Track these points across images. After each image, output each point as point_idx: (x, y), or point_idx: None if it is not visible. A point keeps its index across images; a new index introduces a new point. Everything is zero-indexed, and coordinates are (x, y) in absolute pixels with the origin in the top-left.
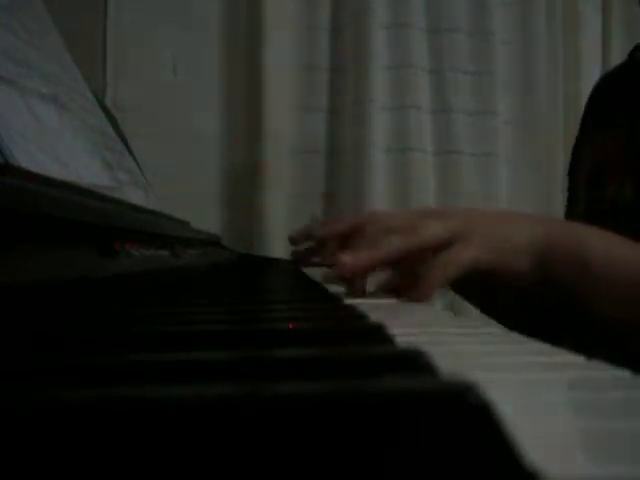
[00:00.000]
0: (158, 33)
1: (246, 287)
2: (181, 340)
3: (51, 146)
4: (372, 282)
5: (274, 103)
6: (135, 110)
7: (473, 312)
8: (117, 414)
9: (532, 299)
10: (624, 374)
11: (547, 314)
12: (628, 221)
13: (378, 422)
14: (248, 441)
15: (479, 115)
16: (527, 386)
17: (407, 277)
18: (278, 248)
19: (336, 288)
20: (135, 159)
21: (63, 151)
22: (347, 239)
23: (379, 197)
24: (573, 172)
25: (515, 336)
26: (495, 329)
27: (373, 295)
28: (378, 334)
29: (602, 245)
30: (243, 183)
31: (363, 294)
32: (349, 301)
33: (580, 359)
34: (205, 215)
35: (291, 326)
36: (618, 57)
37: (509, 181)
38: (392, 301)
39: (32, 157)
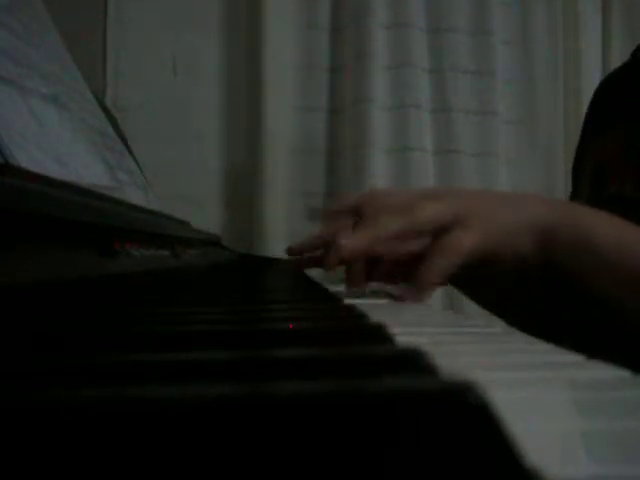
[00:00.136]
0: (158, 33)
1: (246, 287)
2: (181, 340)
3: (51, 146)
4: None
5: (274, 103)
6: (135, 110)
7: (473, 311)
8: (117, 414)
9: (532, 284)
10: (624, 374)
11: (547, 300)
12: (632, 216)
13: (378, 422)
14: (249, 441)
15: (479, 115)
16: (527, 385)
17: (407, 265)
18: (278, 248)
19: (336, 288)
20: (135, 159)
21: (63, 151)
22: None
23: None
24: (577, 173)
25: (515, 335)
26: (495, 329)
27: (374, 293)
28: (378, 334)
29: (608, 227)
30: (243, 183)
31: (362, 283)
32: (349, 301)
33: (580, 358)
34: (205, 215)
35: (291, 326)
36: (618, 57)
37: (509, 181)
38: (392, 301)
39: (32, 157)
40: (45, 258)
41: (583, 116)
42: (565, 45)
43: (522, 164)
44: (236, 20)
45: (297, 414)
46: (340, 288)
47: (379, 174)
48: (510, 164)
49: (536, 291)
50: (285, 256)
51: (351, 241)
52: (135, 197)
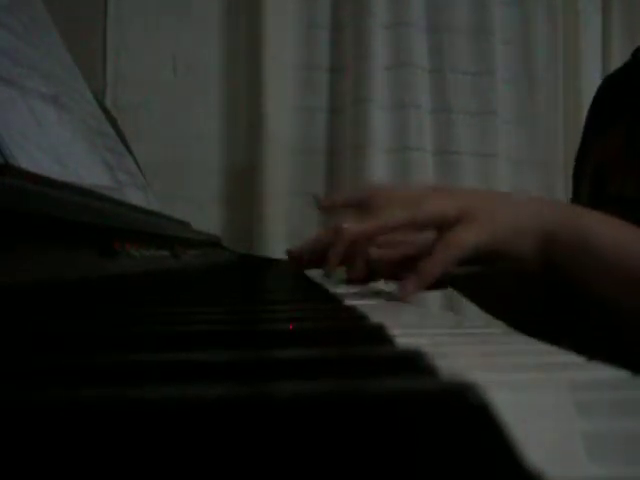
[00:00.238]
0: (158, 33)
1: (246, 287)
2: (181, 340)
3: (51, 146)
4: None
5: (274, 103)
6: (135, 110)
7: (473, 313)
8: (117, 414)
9: (532, 284)
10: (624, 374)
11: (546, 301)
12: (633, 216)
13: (378, 423)
14: (249, 442)
15: (479, 115)
16: (527, 386)
17: (409, 261)
18: (278, 248)
19: (336, 288)
20: (135, 159)
21: (63, 151)
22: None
23: None
24: (577, 173)
25: (515, 336)
26: (495, 329)
27: (374, 293)
28: (378, 335)
29: (607, 228)
30: (243, 183)
31: (364, 273)
32: (349, 302)
33: (580, 359)
34: (205, 215)
35: (291, 327)
36: (618, 57)
37: (509, 181)
38: (392, 301)
39: (32, 157)
40: (45, 258)
41: (583, 116)
42: (565, 45)
43: (522, 164)
44: (236, 20)
45: (297, 415)
46: (340, 289)
47: (379, 174)
48: (510, 164)
49: (536, 291)
50: (285, 256)
51: (355, 226)
52: (135, 197)
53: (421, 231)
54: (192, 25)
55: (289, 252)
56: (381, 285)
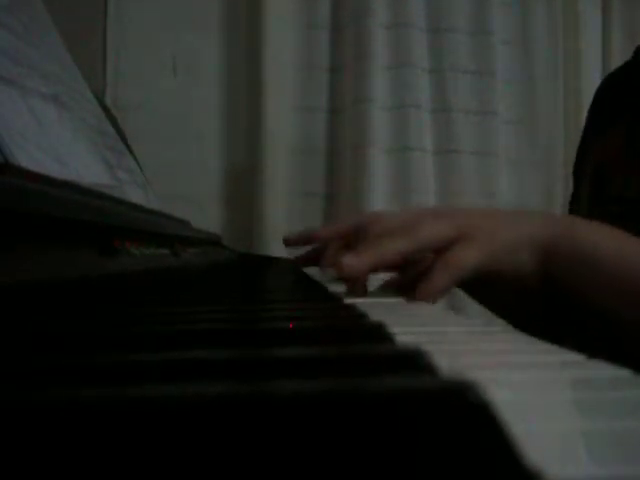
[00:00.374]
0: (158, 33)
1: (246, 286)
2: (181, 339)
3: (51, 145)
4: (374, 283)
5: (274, 103)
6: (135, 110)
7: (474, 311)
8: (117, 414)
9: (532, 299)
10: (625, 373)
11: (548, 314)
12: (634, 216)
13: (378, 421)
14: (249, 440)
15: (479, 115)
16: (527, 385)
17: (410, 279)
18: (278, 248)
19: (336, 287)
20: (135, 158)
21: (63, 150)
22: (349, 241)
23: (379, 197)
24: (577, 172)
25: (515, 335)
26: (496, 328)
27: (374, 294)
28: (378, 333)
29: (606, 239)
30: (243, 183)
31: (364, 294)
32: (349, 300)
33: (581, 358)
34: (205, 215)
35: (291, 325)
36: (618, 57)
37: (509, 181)
38: (392, 300)
39: (32, 156)
40: (45, 257)
41: (583, 116)
42: (565, 45)
43: (522, 164)
44: (236, 20)
45: (297, 413)
46: (340, 287)
47: (379, 174)
48: (510, 164)
49: (535, 306)
50: (285, 255)
51: (354, 260)
52: (135, 196)
53: (420, 256)
54: (192, 25)
55: (285, 240)
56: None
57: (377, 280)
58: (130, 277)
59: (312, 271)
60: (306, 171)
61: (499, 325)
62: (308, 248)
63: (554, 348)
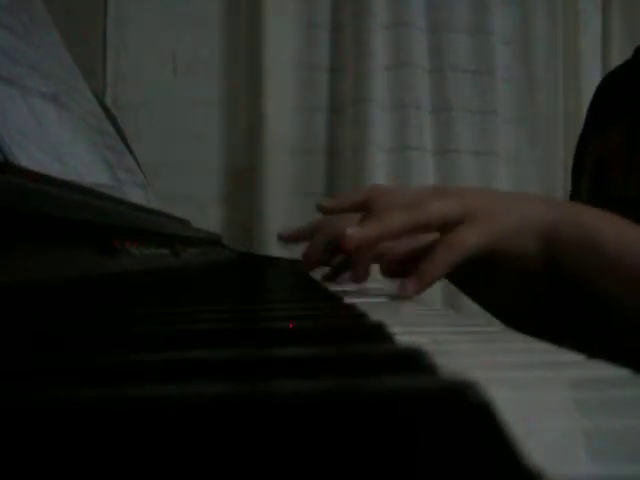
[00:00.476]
0: (158, 33)
1: (246, 286)
2: (181, 339)
3: (51, 145)
4: (375, 280)
5: (274, 103)
6: (135, 110)
7: (473, 310)
8: (117, 414)
9: (535, 282)
10: (625, 372)
11: (549, 299)
12: (633, 214)
13: (378, 421)
14: (249, 440)
15: (479, 114)
16: (528, 385)
17: (411, 260)
18: (278, 248)
19: (336, 287)
20: (135, 158)
21: (63, 150)
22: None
23: None
24: (577, 168)
25: (515, 335)
26: (496, 328)
27: (375, 290)
28: (378, 333)
29: (610, 226)
30: (243, 183)
31: (366, 276)
32: (349, 300)
33: (581, 357)
34: (205, 215)
35: (291, 325)
36: (618, 57)
37: (509, 180)
38: (392, 300)
39: (32, 156)
40: (45, 257)
41: (583, 116)
42: (565, 45)
43: (522, 164)
44: (236, 20)
45: (297, 413)
46: (340, 287)
47: (379, 174)
48: (510, 164)
49: (538, 289)
50: (285, 255)
51: (359, 232)
52: (135, 196)
53: (424, 233)
54: (192, 25)
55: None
56: (381, 282)
57: (377, 280)
58: (130, 277)
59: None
60: (306, 171)
61: (499, 325)
62: (303, 245)
63: (554, 348)
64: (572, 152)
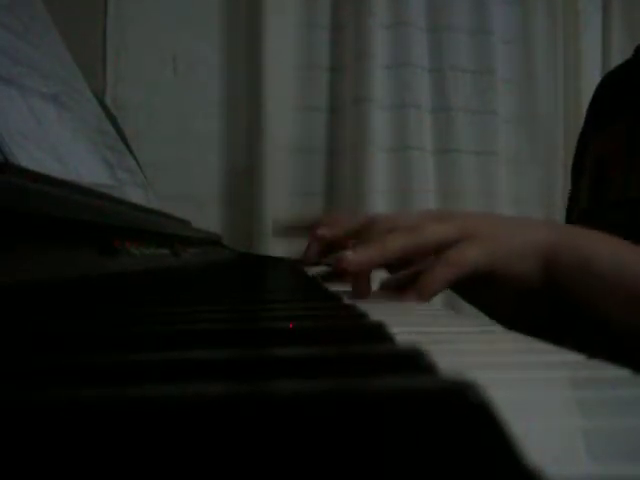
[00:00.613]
0: (158, 33)
1: (246, 286)
2: (181, 339)
3: (51, 145)
4: (375, 282)
5: (274, 103)
6: (135, 110)
7: (473, 311)
8: (118, 414)
9: (534, 303)
10: (625, 372)
11: (549, 318)
12: (635, 214)
13: (378, 421)
14: (249, 440)
15: (479, 114)
16: (527, 385)
17: (410, 277)
18: (278, 247)
19: (336, 287)
20: (135, 158)
21: (63, 150)
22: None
23: (379, 196)
24: (576, 167)
25: (515, 335)
26: (495, 328)
27: (377, 296)
28: (378, 333)
29: (608, 248)
30: (243, 183)
31: (368, 293)
32: (349, 300)
33: (581, 358)
34: (205, 215)
35: (291, 325)
36: (618, 57)
37: (509, 180)
38: (392, 300)
39: (32, 156)
40: (45, 257)
41: (583, 116)
42: (565, 45)
43: (522, 163)
44: (236, 20)
45: (297, 413)
46: (340, 287)
47: (379, 174)
48: (510, 163)
49: (539, 310)
50: (284, 255)
51: (358, 255)
52: (135, 196)
53: (423, 256)
54: (192, 25)
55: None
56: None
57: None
58: (130, 277)
59: (312, 270)
60: (306, 171)
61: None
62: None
63: (554, 348)
64: (572, 152)
